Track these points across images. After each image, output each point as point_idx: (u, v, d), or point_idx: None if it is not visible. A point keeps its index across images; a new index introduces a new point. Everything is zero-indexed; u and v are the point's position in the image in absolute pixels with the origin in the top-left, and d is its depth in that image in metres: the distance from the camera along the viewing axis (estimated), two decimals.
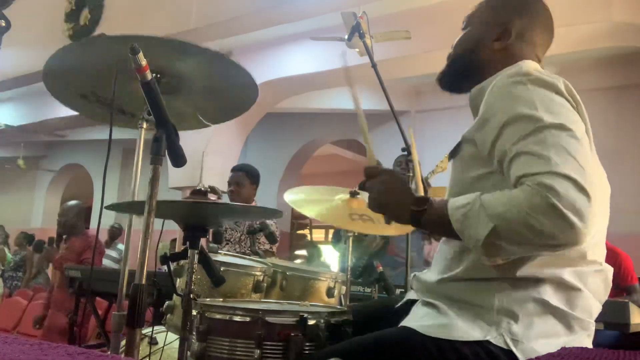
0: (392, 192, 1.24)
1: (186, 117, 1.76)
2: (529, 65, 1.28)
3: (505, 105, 1.13)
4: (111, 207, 1.60)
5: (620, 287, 3.95)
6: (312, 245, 7.87)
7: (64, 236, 4.42)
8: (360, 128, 1.40)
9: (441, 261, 1.27)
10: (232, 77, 1.65)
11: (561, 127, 1.05)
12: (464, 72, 1.37)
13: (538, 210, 0.99)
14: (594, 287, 1.17)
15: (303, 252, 8.01)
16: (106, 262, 6.83)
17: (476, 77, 1.33)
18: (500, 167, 1.12)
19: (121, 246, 7.42)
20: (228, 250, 3.38)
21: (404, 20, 4.49)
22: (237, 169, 3.69)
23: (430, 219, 1.16)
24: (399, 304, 1.44)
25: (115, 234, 7.47)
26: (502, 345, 1.10)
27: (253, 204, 3.61)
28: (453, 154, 1.29)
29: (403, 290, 2.77)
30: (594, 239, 1.15)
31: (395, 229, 2.07)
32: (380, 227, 1.82)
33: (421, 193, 1.52)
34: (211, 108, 1.79)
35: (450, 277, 1.22)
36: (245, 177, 3.59)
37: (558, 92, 1.13)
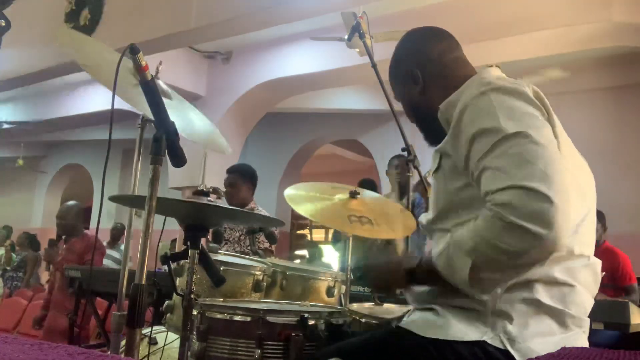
0: (382, 269, 1.33)
1: None
2: (490, 73, 1.30)
3: (471, 119, 1.15)
4: (114, 199, 1.59)
5: (619, 287, 3.96)
6: (313, 245, 7.87)
7: (63, 237, 4.40)
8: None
9: None
10: None
11: (520, 135, 1.06)
12: (431, 124, 1.37)
13: (499, 233, 1.01)
14: (584, 281, 1.18)
15: (304, 252, 8.00)
16: (107, 262, 6.82)
17: (436, 119, 1.35)
18: (475, 182, 1.15)
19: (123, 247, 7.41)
20: (227, 250, 3.38)
21: (404, 20, 4.49)
22: (231, 171, 3.65)
23: (424, 276, 1.22)
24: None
25: (117, 234, 7.44)
26: (499, 345, 1.10)
27: (252, 204, 3.60)
28: (436, 168, 1.32)
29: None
30: (578, 233, 1.17)
31: (395, 232, 2.07)
32: (378, 231, 1.82)
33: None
34: None
35: (441, 289, 1.21)
36: (239, 178, 3.55)
37: (520, 98, 1.14)
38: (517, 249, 1.00)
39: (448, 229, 1.22)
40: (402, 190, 3.73)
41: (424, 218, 1.37)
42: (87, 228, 8.70)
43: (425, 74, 1.38)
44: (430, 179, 3.47)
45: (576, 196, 1.18)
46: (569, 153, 1.21)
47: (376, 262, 1.36)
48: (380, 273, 1.32)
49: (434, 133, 1.39)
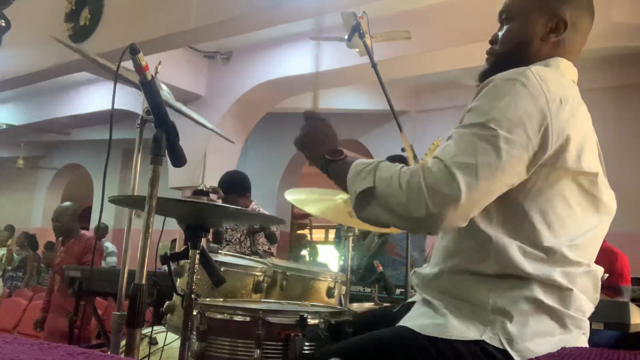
0: (315, 136, 1.34)
1: None
2: (561, 64, 1.25)
3: (484, 92, 1.14)
4: (114, 200, 1.59)
5: (615, 286, 3.97)
6: (307, 246, 7.85)
7: (60, 239, 4.38)
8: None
9: (439, 253, 1.28)
10: None
11: (491, 130, 1.06)
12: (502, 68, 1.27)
13: (408, 186, 1.06)
14: (582, 287, 1.17)
15: (305, 252, 8.01)
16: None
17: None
18: None
19: (108, 244, 7.49)
20: (228, 251, 3.38)
21: (404, 20, 4.49)
22: (220, 183, 3.52)
23: (335, 170, 1.27)
24: (397, 308, 1.44)
25: (99, 232, 7.41)
26: (498, 345, 1.10)
27: (253, 205, 3.60)
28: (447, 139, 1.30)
29: (403, 290, 2.77)
30: (574, 241, 1.15)
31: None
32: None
33: None
34: None
35: (447, 269, 1.22)
36: (226, 190, 3.43)
37: (535, 106, 1.09)
38: (405, 206, 1.06)
39: None
40: None
41: None
42: (87, 228, 8.73)
43: (562, 33, 1.25)
44: None
45: (589, 204, 1.18)
46: (598, 169, 1.18)
47: (319, 127, 1.35)
48: (313, 134, 1.34)
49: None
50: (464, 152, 1.06)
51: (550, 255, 1.12)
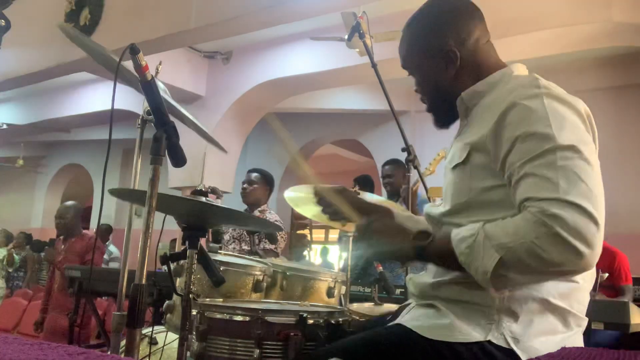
0: (391, 234, 1.22)
1: None
2: (520, 70, 1.27)
3: (519, 119, 1.10)
4: (114, 192, 1.59)
5: (615, 286, 3.97)
6: (308, 246, 7.85)
7: (61, 237, 4.39)
8: (294, 160, 1.37)
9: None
10: None
11: (572, 149, 1.04)
12: (446, 108, 1.33)
13: (544, 240, 0.99)
14: (587, 278, 1.18)
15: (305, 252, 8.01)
16: None
17: (456, 99, 1.30)
18: (509, 182, 1.11)
19: (112, 248, 7.39)
20: (234, 247, 3.41)
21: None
22: (253, 170, 3.81)
23: (435, 253, 1.16)
24: (389, 318, 1.43)
25: (102, 234, 7.34)
26: (503, 344, 1.10)
27: (264, 206, 3.65)
28: (462, 162, 1.23)
29: (403, 290, 2.77)
30: None
31: None
32: None
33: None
34: None
35: (445, 281, 1.21)
36: (258, 177, 3.71)
37: (573, 111, 1.11)
38: (555, 259, 0.99)
39: (461, 224, 1.18)
40: (393, 192, 3.75)
41: (435, 209, 1.33)
42: (87, 228, 8.71)
43: (462, 56, 1.27)
44: (428, 173, 3.46)
45: None
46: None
47: (386, 224, 1.24)
48: (388, 237, 1.21)
49: (444, 116, 1.35)
50: (568, 182, 1.01)
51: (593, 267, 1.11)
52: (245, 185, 3.68)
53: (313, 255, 8.74)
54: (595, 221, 0.98)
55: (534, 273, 1.04)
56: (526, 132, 1.08)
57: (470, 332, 1.12)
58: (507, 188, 1.12)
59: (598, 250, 0.99)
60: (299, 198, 1.90)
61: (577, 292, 1.16)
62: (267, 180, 3.75)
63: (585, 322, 1.20)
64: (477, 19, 1.31)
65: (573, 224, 0.98)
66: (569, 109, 1.11)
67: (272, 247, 3.37)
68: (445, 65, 1.28)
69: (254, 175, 3.73)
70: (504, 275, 1.04)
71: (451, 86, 1.29)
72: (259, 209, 3.63)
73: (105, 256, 7.10)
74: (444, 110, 1.34)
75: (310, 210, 1.84)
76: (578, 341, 1.17)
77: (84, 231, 4.44)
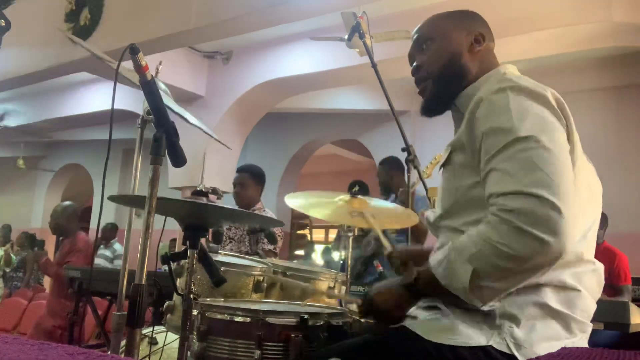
0: (389, 294, 1.24)
1: None
2: (510, 70, 1.29)
3: (485, 114, 1.13)
4: (114, 199, 1.59)
5: (614, 286, 3.97)
6: (308, 246, 7.86)
7: (60, 238, 4.35)
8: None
9: None
10: None
11: (532, 140, 1.05)
12: (450, 88, 1.32)
13: (506, 238, 1.00)
14: (589, 286, 1.17)
15: (301, 252, 8.02)
16: (99, 262, 6.80)
17: (459, 90, 1.31)
18: (482, 180, 1.13)
19: (118, 246, 7.38)
20: (232, 248, 3.40)
21: (404, 20, 4.49)
22: (241, 170, 3.72)
23: (426, 286, 1.17)
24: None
25: (108, 233, 7.35)
26: (505, 350, 1.09)
27: (259, 204, 3.62)
28: (444, 163, 1.27)
29: None
30: (586, 238, 1.17)
31: (397, 224, 2.06)
32: (379, 222, 1.81)
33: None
34: None
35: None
36: (248, 178, 3.62)
37: (538, 101, 1.12)
38: (523, 254, 0.99)
39: (456, 227, 1.20)
40: (387, 190, 3.75)
41: (432, 214, 1.34)
42: (87, 228, 8.70)
43: (481, 48, 1.33)
44: (425, 177, 3.48)
45: (588, 202, 1.18)
46: (583, 160, 1.19)
47: (375, 292, 1.26)
48: (383, 301, 1.23)
49: (435, 101, 1.34)
50: (525, 172, 1.03)
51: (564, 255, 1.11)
52: (237, 189, 3.59)
53: (313, 256, 8.74)
54: (555, 208, 0.99)
55: (510, 275, 1.04)
56: (491, 127, 1.11)
57: (472, 336, 1.12)
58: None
59: (565, 237, 0.99)
60: (306, 203, 1.90)
61: (578, 299, 1.15)
62: (257, 178, 3.65)
63: (590, 327, 1.19)
64: (486, 24, 1.39)
65: (532, 215, 0.99)
66: (534, 101, 1.12)
67: (272, 247, 3.36)
68: (471, 42, 1.32)
69: (244, 175, 3.63)
70: (484, 286, 1.05)
71: (461, 67, 1.30)
72: (254, 208, 3.60)
73: (110, 254, 7.10)
74: (443, 92, 1.33)
75: (320, 212, 1.85)
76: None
77: (80, 232, 4.36)
